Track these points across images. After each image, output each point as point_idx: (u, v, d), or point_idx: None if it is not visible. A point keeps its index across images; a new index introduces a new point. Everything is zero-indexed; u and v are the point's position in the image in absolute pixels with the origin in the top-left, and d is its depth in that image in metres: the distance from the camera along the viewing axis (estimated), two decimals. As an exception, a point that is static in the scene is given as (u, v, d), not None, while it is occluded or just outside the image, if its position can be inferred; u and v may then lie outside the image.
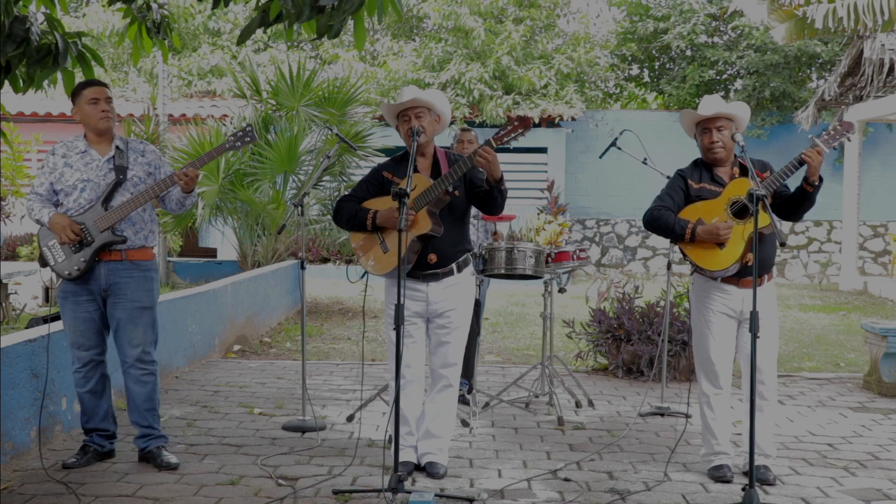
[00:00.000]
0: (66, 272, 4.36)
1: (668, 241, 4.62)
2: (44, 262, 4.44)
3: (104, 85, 4.47)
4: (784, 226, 15.91)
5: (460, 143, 5.95)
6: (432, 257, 4.31)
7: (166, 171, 4.56)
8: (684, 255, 4.41)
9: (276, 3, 3.59)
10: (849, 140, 4.36)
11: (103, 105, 4.41)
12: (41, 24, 4.28)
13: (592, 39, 17.69)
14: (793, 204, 4.35)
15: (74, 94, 4.45)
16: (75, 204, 4.39)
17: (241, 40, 3.86)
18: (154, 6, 4.68)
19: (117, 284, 4.40)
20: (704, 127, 4.38)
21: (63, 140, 4.55)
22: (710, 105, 4.37)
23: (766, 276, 4.37)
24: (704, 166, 4.47)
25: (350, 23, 3.77)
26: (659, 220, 4.37)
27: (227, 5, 4.19)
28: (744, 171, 4.39)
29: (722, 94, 18.52)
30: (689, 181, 4.44)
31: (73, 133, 4.74)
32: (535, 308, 11.06)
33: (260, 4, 3.81)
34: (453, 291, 4.39)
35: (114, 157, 4.45)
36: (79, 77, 4.54)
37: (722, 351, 4.42)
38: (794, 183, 4.35)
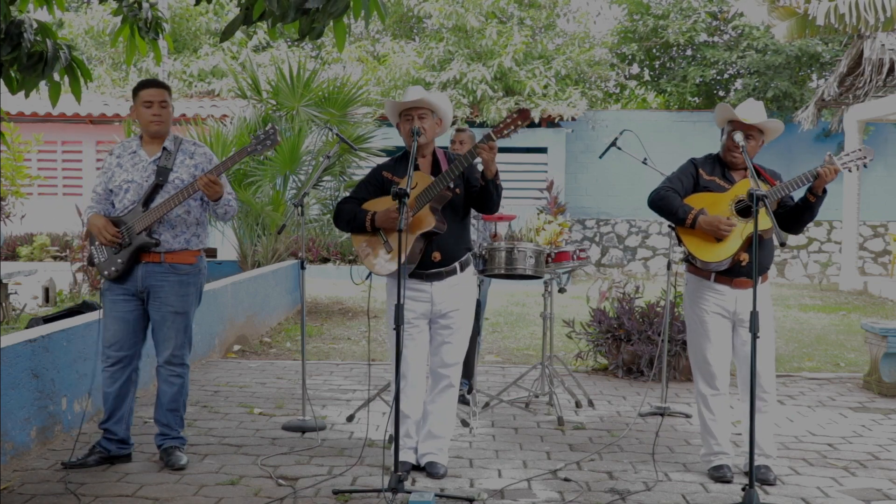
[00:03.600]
0: (106, 272, 4.43)
1: (668, 225, 4.61)
2: (90, 261, 4.51)
3: (162, 87, 4.47)
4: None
5: (453, 144, 5.97)
6: (437, 255, 4.31)
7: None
8: (680, 240, 4.40)
9: (260, 2, 3.60)
10: (865, 166, 4.36)
11: (156, 109, 4.42)
12: (35, 28, 4.27)
13: (592, 39, 17.68)
14: (795, 213, 4.35)
15: (133, 93, 4.48)
16: (121, 204, 4.44)
17: (225, 37, 3.88)
18: (145, 5, 4.66)
19: (154, 287, 4.42)
20: (735, 129, 4.36)
21: (121, 141, 4.61)
22: (752, 112, 4.34)
23: (760, 278, 4.36)
24: (719, 162, 4.47)
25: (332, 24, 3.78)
26: (664, 200, 4.36)
27: (209, 2, 4.19)
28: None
29: (722, 93, 18.52)
30: (701, 171, 4.44)
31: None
32: (535, 308, 11.06)
33: (242, 2, 3.82)
34: (457, 291, 4.39)
35: (159, 158, 4.46)
36: (65, 87, 4.53)
37: (718, 351, 4.41)
38: (798, 195, 4.36)
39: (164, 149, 4.47)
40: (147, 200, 4.38)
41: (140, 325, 4.50)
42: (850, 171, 4.34)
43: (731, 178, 4.40)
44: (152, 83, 4.47)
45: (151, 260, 4.40)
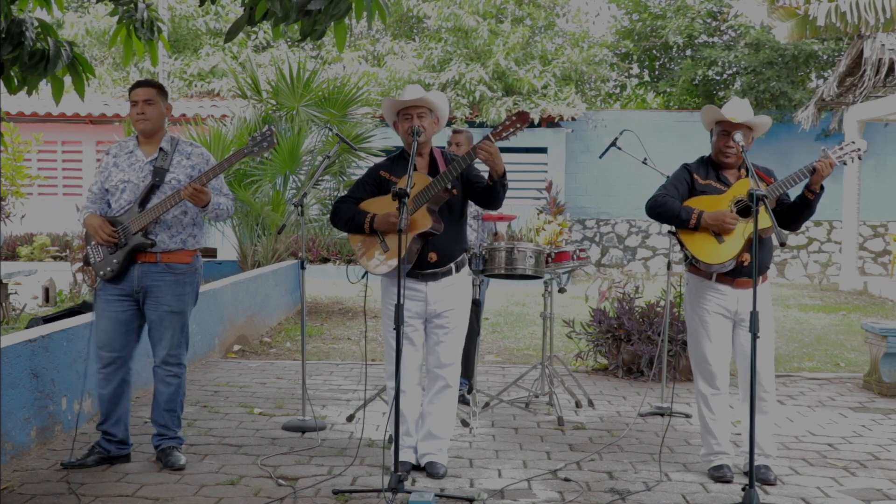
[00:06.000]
0: (101, 272, 4.43)
1: (668, 230, 4.60)
2: (87, 261, 4.51)
3: (149, 85, 4.47)
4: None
5: (450, 145, 5.98)
6: (433, 256, 4.32)
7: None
8: (682, 245, 4.38)
9: (262, 3, 3.60)
10: (860, 158, 4.37)
11: (140, 107, 4.42)
12: (36, 27, 4.27)
13: (591, 38, 17.68)
14: (793, 211, 4.35)
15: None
16: (117, 204, 4.44)
17: (229, 38, 3.88)
18: (141, 6, 4.65)
19: (150, 287, 4.42)
20: (724, 130, 4.36)
21: (119, 141, 4.61)
22: (739, 111, 4.34)
23: (761, 278, 4.36)
24: (712, 164, 4.46)
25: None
26: (664, 206, 4.35)
27: (214, 3, 4.19)
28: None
29: (722, 93, 18.52)
30: (695, 175, 4.43)
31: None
32: (535, 308, 11.06)
33: (246, 2, 3.82)
34: (452, 291, 4.39)
35: (156, 158, 4.46)
36: (68, 85, 4.52)
37: (718, 351, 4.41)
38: (795, 193, 4.36)
39: (161, 149, 4.47)
40: (143, 201, 4.38)
41: (132, 326, 4.49)
42: (845, 164, 4.35)
43: (726, 180, 4.40)
44: (139, 83, 4.48)
45: (147, 260, 4.41)
